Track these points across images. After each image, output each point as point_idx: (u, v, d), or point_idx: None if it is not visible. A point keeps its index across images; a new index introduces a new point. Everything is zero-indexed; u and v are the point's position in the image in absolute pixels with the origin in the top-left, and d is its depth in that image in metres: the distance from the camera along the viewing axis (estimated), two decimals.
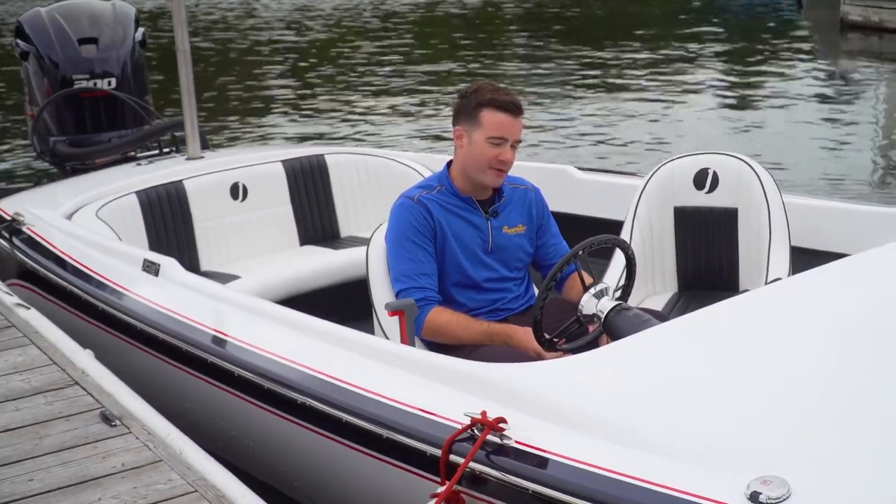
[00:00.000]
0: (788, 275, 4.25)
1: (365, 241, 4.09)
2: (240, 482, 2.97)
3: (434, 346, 3.71)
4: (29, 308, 4.43)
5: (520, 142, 3.74)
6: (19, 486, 3.04)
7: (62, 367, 3.87)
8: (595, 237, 3.50)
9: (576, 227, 4.79)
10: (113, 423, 3.37)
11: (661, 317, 3.63)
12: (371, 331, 3.89)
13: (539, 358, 3.46)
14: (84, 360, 3.88)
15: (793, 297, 3.23)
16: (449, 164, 3.88)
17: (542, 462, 2.76)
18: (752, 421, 2.67)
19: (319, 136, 11.76)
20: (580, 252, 3.46)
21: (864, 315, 3.05)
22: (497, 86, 3.79)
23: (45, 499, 2.97)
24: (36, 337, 4.16)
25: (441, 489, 2.89)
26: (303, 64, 17.04)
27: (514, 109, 3.68)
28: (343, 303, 4.84)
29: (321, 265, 5.32)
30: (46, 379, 3.79)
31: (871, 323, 3.01)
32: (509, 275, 3.87)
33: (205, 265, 5.38)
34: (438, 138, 11.23)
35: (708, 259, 4.66)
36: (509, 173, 3.95)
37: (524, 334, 3.57)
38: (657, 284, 4.74)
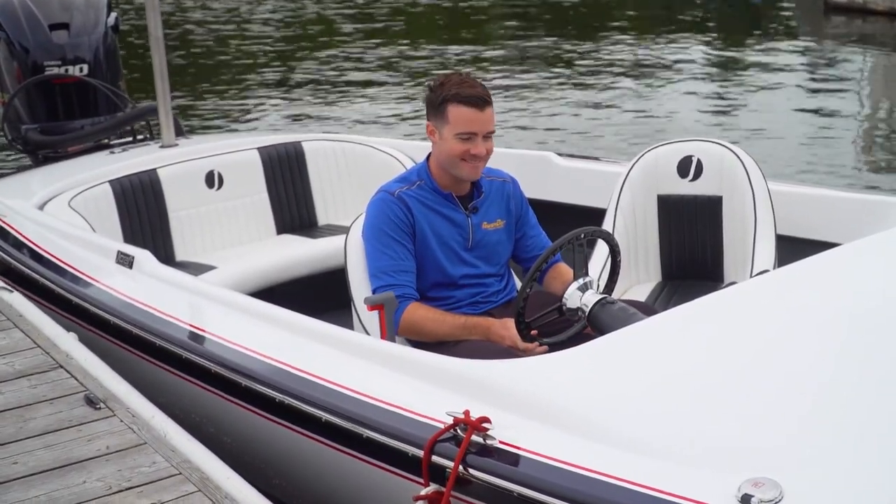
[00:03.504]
0: (774, 264, 4.19)
1: (343, 230, 4.02)
2: (224, 464, 2.98)
3: (416, 342, 3.64)
4: (12, 291, 4.41)
5: (493, 132, 3.63)
6: (3, 469, 3.05)
7: (46, 351, 3.88)
8: (579, 229, 3.43)
9: (556, 215, 4.73)
10: (97, 406, 3.39)
11: (647, 309, 3.56)
12: (350, 321, 3.82)
13: (515, 349, 3.40)
14: (68, 343, 3.89)
15: (783, 290, 3.16)
16: (428, 156, 3.79)
17: (526, 463, 2.70)
18: (742, 420, 2.61)
19: (297, 120, 11.66)
20: (564, 245, 3.39)
21: (859, 308, 2.99)
22: (463, 78, 3.66)
23: (30, 481, 2.97)
24: (19, 320, 4.16)
25: (424, 491, 2.83)
26: (277, 50, 16.87)
27: (480, 103, 3.56)
28: (321, 293, 4.78)
29: (298, 254, 5.25)
30: (30, 362, 3.80)
31: (865, 317, 2.94)
32: (489, 271, 3.80)
33: (180, 255, 5.29)
34: (418, 120, 11.12)
35: (692, 248, 4.60)
36: (487, 165, 3.87)
37: (501, 326, 3.51)
38: (641, 274, 4.68)
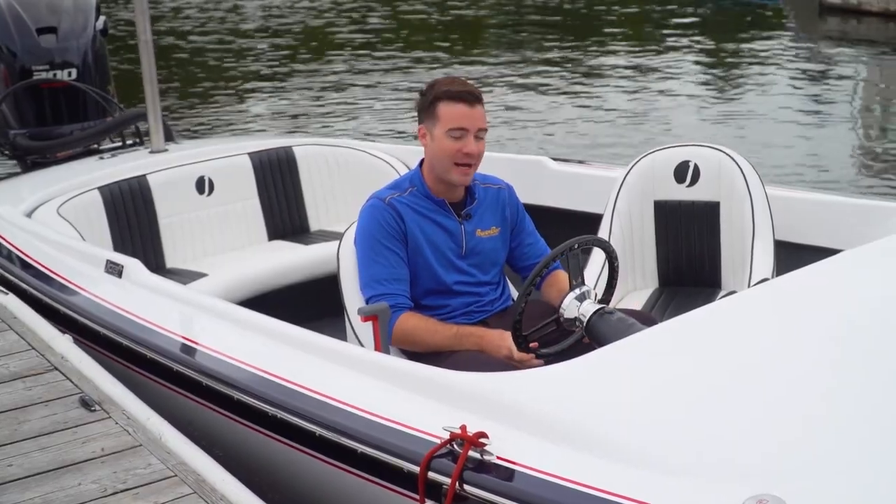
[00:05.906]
0: (773, 270, 4.15)
1: (335, 236, 3.97)
2: (219, 467, 2.98)
3: (408, 352, 3.58)
4: (7, 293, 4.38)
5: (484, 131, 3.60)
6: None
7: (41, 353, 3.87)
8: (576, 238, 3.38)
9: (550, 220, 4.68)
10: (92, 408, 3.40)
11: (646, 318, 3.51)
12: (343, 329, 3.76)
13: (511, 360, 3.35)
14: (63, 345, 3.88)
15: (784, 299, 3.12)
16: (421, 162, 3.74)
17: (525, 479, 2.65)
18: (745, 433, 2.56)
19: (288, 122, 11.59)
20: (559, 255, 3.33)
21: (859, 317, 2.95)
22: (454, 78, 3.71)
23: (25, 484, 2.98)
24: (14, 322, 4.14)
25: None
26: (271, 53, 16.78)
27: (470, 98, 3.56)
28: (314, 300, 4.73)
29: (290, 261, 5.20)
30: (25, 364, 3.80)
31: (866, 325, 2.91)
32: (484, 279, 3.75)
33: (170, 262, 5.24)
34: (410, 130, 11.06)
35: (689, 254, 4.55)
36: (482, 171, 3.82)
37: (497, 336, 3.45)
38: (637, 280, 4.63)
